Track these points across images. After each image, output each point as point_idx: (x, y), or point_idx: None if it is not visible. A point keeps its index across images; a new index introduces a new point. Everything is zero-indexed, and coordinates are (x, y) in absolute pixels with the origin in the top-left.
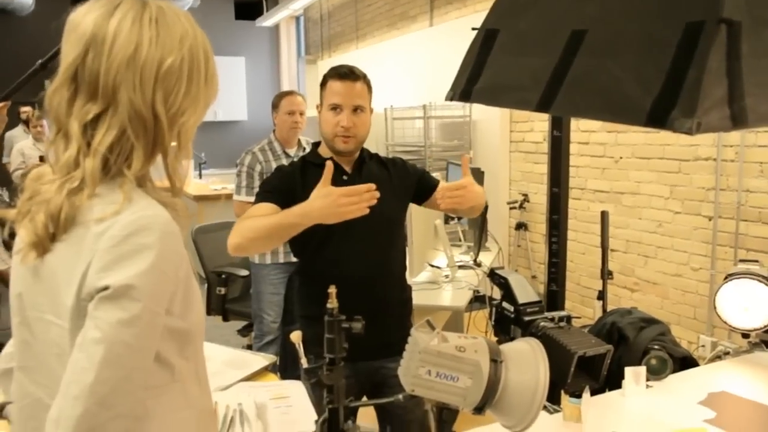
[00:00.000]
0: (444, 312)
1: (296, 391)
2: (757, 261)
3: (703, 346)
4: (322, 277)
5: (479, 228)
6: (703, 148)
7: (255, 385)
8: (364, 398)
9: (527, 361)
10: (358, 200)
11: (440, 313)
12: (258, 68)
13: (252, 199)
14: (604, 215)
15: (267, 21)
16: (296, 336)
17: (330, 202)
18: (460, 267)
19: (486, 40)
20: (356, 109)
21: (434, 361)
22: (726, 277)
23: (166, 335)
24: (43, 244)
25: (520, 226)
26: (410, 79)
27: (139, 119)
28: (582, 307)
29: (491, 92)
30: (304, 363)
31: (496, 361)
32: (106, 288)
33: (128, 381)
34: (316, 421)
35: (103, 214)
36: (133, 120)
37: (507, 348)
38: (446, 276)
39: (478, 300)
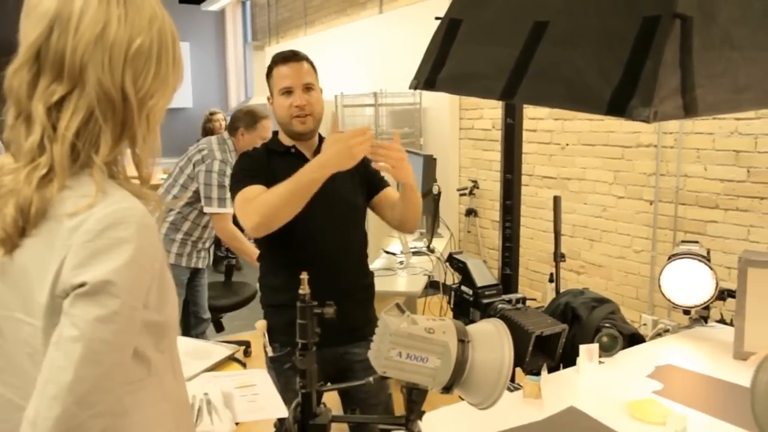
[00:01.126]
0: (399, 297)
1: (261, 379)
2: (697, 242)
3: (645, 324)
4: (285, 265)
5: (432, 214)
6: (645, 135)
7: (219, 374)
8: (329, 384)
9: (492, 341)
10: (363, 139)
11: (395, 299)
12: (203, 54)
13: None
14: (556, 200)
15: (213, 5)
16: (261, 325)
17: (343, 146)
18: (414, 253)
19: (450, 30)
20: (307, 88)
21: (404, 343)
22: (669, 258)
23: (143, 329)
24: (12, 240)
25: (470, 212)
26: (360, 67)
27: (108, 101)
28: (530, 290)
29: (456, 81)
30: (269, 351)
31: (463, 341)
32: (82, 285)
33: (107, 378)
34: (289, 407)
35: (76, 208)
36: (101, 101)
37: (473, 329)
38: (401, 262)
39: (432, 286)
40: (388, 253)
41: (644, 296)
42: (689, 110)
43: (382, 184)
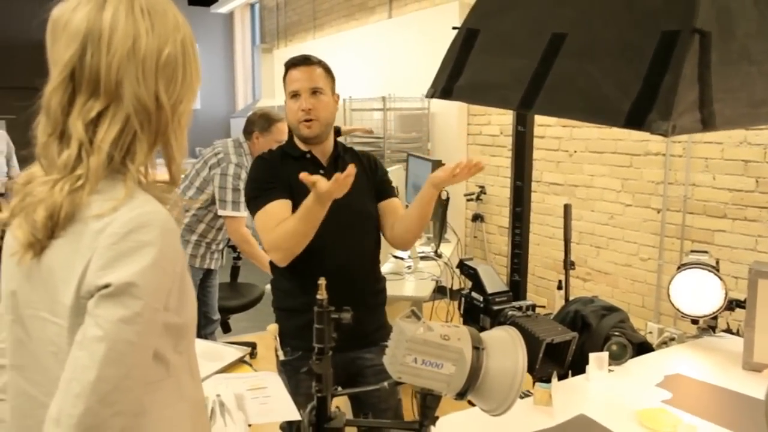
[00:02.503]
0: (406, 302)
1: (272, 381)
2: (706, 252)
3: (651, 332)
4: (298, 270)
5: (440, 220)
6: (654, 143)
7: (230, 376)
8: (339, 388)
9: (506, 348)
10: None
11: (403, 303)
12: (212, 56)
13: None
14: (567, 208)
15: (222, 8)
16: (273, 328)
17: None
18: (422, 258)
19: (467, 40)
20: (315, 92)
21: (420, 350)
22: (678, 267)
23: (163, 331)
24: (41, 244)
25: (477, 217)
26: (369, 71)
27: (145, 111)
28: (536, 296)
29: (473, 90)
30: (280, 355)
31: (478, 348)
32: (107, 286)
33: (129, 378)
34: (303, 410)
35: (101, 210)
36: (138, 112)
37: (487, 336)
38: (408, 267)
39: (439, 291)
40: (396, 257)
41: (650, 304)
42: (707, 124)
43: (390, 192)
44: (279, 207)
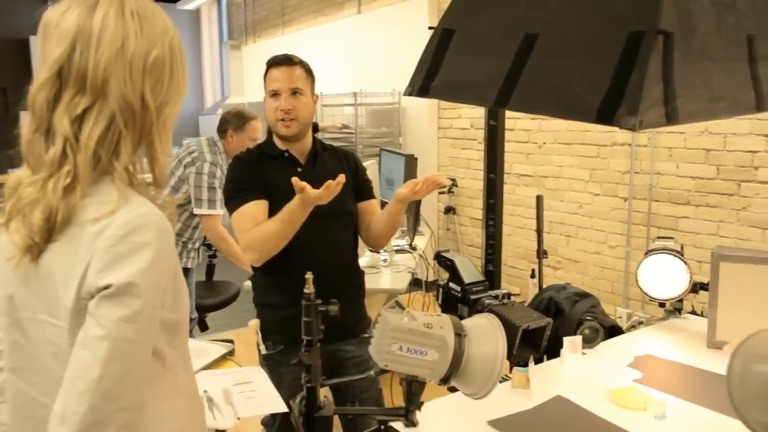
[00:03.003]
0: (384, 295)
1: (258, 375)
2: (672, 238)
3: (620, 317)
4: (279, 266)
5: (414, 213)
6: (620, 134)
7: (216, 372)
8: (324, 378)
9: (487, 334)
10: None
11: (379, 296)
12: None
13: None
14: (539, 199)
15: (188, 4)
16: (254, 323)
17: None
18: (397, 251)
19: (442, 39)
20: (294, 93)
21: (405, 338)
22: (646, 253)
23: (159, 327)
24: (38, 248)
25: (449, 210)
26: (339, 66)
27: (130, 110)
28: (510, 286)
29: (449, 88)
30: (262, 349)
31: (460, 335)
32: (107, 287)
33: (131, 374)
34: (292, 400)
35: (98, 214)
36: (123, 111)
37: (468, 323)
38: (384, 260)
39: (414, 283)
40: (372, 251)
41: (619, 290)
42: (671, 118)
43: (369, 194)
44: (255, 208)
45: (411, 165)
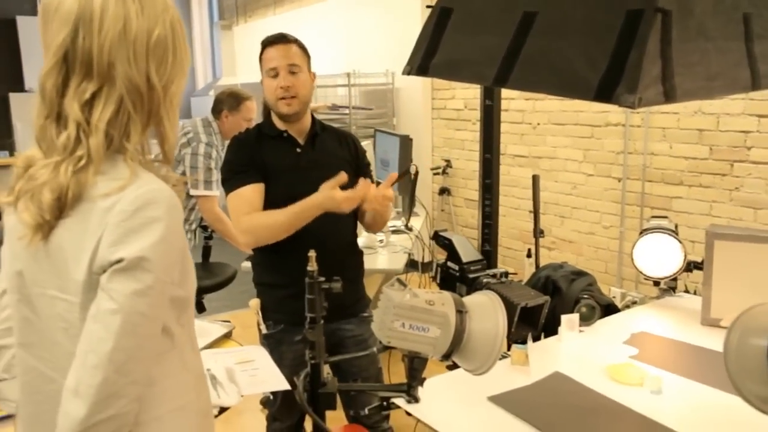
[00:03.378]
0: (381, 275)
1: (259, 354)
2: (666, 217)
3: (614, 297)
4: (279, 245)
5: (409, 194)
6: (613, 114)
7: (218, 351)
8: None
9: (487, 311)
10: (352, 201)
11: (376, 277)
12: None
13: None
14: (535, 179)
15: None
16: (255, 303)
17: (334, 203)
18: (393, 232)
19: (441, 18)
20: (292, 71)
21: (407, 315)
22: (641, 232)
23: (168, 304)
24: (49, 225)
25: (444, 191)
26: (331, 47)
27: (136, 91)
28: (504, 265)
29: (448, 67)
30: (263, 329)
31: (461, 312)
32: (119, 261)
33: (142, 349)
34: (296, 377)
35: (109, 190)
36: (131, 92)
37: (469, 300)
38: (380, 241)
39: (410, 264)
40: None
41: (613, 270)
42: (669, 96)
43: (368, 176)
44: (251, 191)
45: (406, 146)
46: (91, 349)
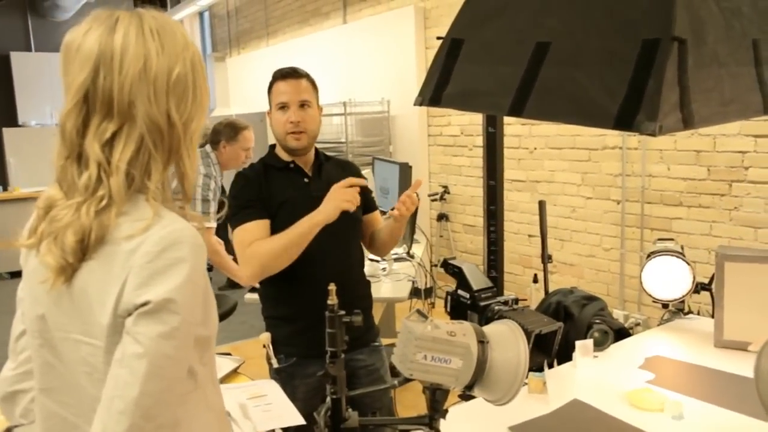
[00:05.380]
0: (381, 304)
1: (271, 389)
2: (672, 239)
3: (616, 319)
4: (289, 277)
5: (410, 222)
6: (610, 137)
7: (229, 386)
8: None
9: (508, 340)
10: (351, 196)
11: (383, 305)
12: None
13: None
14: (542, 204)
15: (171, 17)
16: (265, 337)
17: (333, 204)
18: (396, 259)
19: (452, 49)
20: (303, 105)
21: (429, 347)
22: (648, 255)
23: (193, 344)
24: (72, 267)
25: (442, 217)
26: (326, 77)
27: (157, 130)
28: (507, 291)
29: (461, 97)
30: (274, 363)
31: (483, 342)
32: (145, 303)
33: (169, 392)
34: (317, 412)
35: (132, 231)
36: (151, 131)
37: (489, 330)
38: (384, 269)
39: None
40: (371, 260)
41: (615, 292)
42: (687, 123)
43: (374, 206)
44: (257, 226)
45: (406, 173)
46: (117, 394)
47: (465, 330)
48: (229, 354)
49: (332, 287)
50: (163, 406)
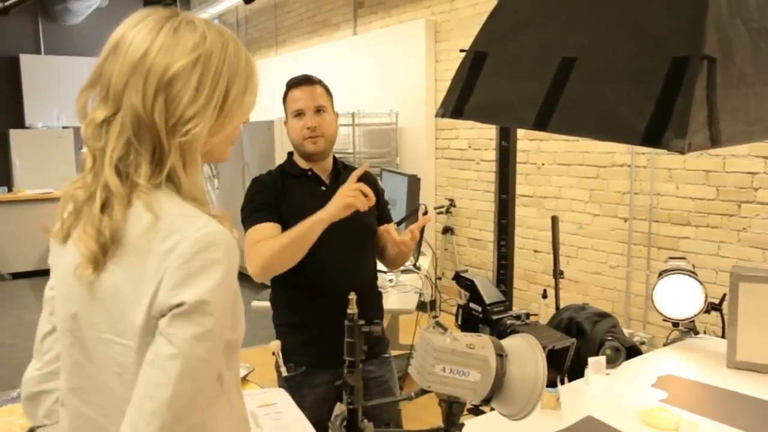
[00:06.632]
0: (392, 315)
1: (281, 397)
2: (684, 258)
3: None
4: (302, 285)
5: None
6: (619, 155)
7: None
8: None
9: (526, 354)
10: (355, 192)
11: (391, 317)
12: None
13: None
14: (554, 220)
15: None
16: (275, 345)
17: (340, 200)
18: (403, 271)
19: (475, 62)
20: (318, 110)
21: (448, 359)
22: (660, 274)
23: (223, 347)
24: (97, 259)
25: (447, 230)
26: (335, 87)
27: (140, 125)
28: (515, 306)
29: (485, 110)
30: (284, 371)
31: (501, 355)
32: (180, 304)
33: (200, 394)
34: (332, 422)
35: (166, 232)
36: (134, 125)
37: (507, 344)
38: (391, 281)
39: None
40: (378, 272)
41: (620, 310)
42: (715, 141)
43: (389, 218)
44: (267, 227)
45: (414, 185)
46: (149, 395)
47: (484, 343)
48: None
49: (353, 296)
50: (194, 408)
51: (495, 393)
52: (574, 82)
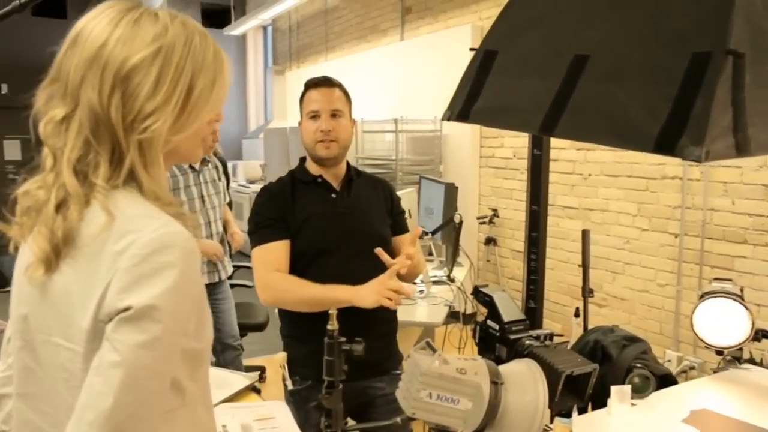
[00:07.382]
0: (419, 328)
1: (280, 411)
2: (730, 279)
3: (669, 360)
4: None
5: (453, 243)
6: (670, 167)
7: (237, 405)
8: (350, 421)
9: (526, 382)
10: (392, 294)
11: (413, 330)
12: None
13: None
14: (585, 234)
15: (235, 30)
16: (282, 357)
17: (375, 297)
18: (435, 282)
19: (485, 61)
20: (334, 114)
21: (435, 384)
22: (701, 296)
23: (180, 357)
24: (49, 260)
25: (490, 241)
26: (381, 93)
27: (98, 122)
28: (550, 321)
29: (491, 113)
30: (288, 385)
31: (496, 383)
32: (127, 309)
33: (146, 406)
34: None
35: (121, 233)
36: (91, 122)
37: (506, 369)
38: (421, 292)
39: (451, 315)
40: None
41: (669, 331)
42: (742, 149)
43: (404, 228)
44: (278, 247)
45: (451, 194)
46: (89, 404)
47: (477, 368)
48: (262, 368)
49: (333, 311)
50: (138, 421)
51: (488, 423)
52: (585, 81)
